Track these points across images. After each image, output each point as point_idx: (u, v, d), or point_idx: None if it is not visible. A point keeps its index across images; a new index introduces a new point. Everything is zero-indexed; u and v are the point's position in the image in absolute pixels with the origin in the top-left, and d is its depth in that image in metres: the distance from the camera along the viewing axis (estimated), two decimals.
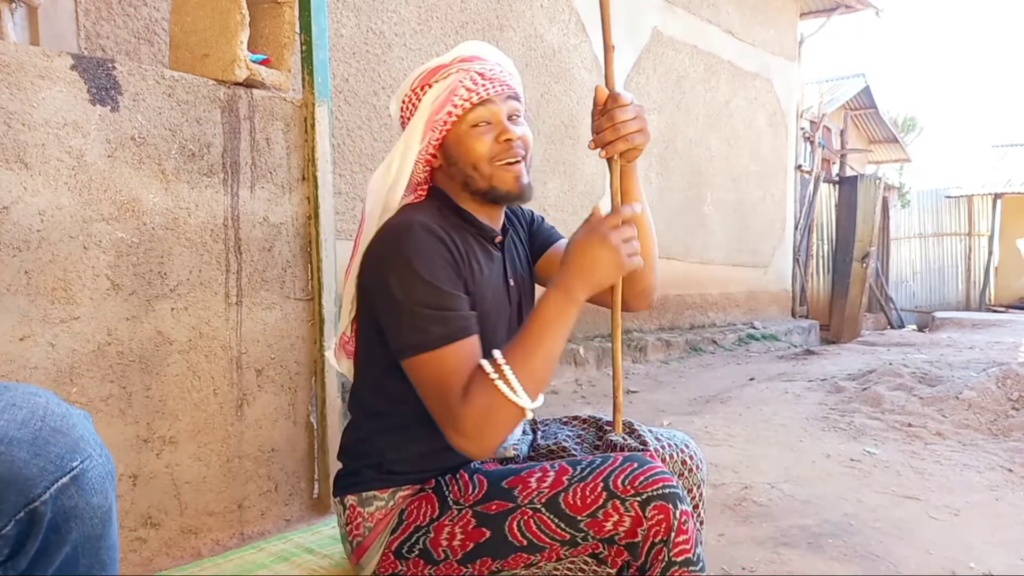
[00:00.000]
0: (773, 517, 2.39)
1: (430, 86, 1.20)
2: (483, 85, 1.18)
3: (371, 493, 1.20)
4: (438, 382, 1.06)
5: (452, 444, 1.05)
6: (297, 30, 1.94)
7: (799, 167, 9.01)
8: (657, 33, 6.32)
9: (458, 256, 1.14)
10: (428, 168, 1.25)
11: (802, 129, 9.41)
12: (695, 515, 1.25)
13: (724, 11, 7.20)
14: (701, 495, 1.31)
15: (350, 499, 1.22)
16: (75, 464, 0.66)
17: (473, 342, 1.09)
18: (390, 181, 1.23)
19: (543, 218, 1.48)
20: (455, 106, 1.18)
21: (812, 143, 9.86)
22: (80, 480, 0.66)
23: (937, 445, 3.31)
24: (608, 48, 1.26)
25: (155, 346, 1.63)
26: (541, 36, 5.13)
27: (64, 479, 0.65)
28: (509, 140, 1.19)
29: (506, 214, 1.33)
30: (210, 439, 1.74)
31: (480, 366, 1.05)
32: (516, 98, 1.23)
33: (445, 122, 1.19)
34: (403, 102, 1.24)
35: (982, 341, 7.87)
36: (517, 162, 1.20)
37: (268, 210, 1.87)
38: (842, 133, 11.17)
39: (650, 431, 1.33)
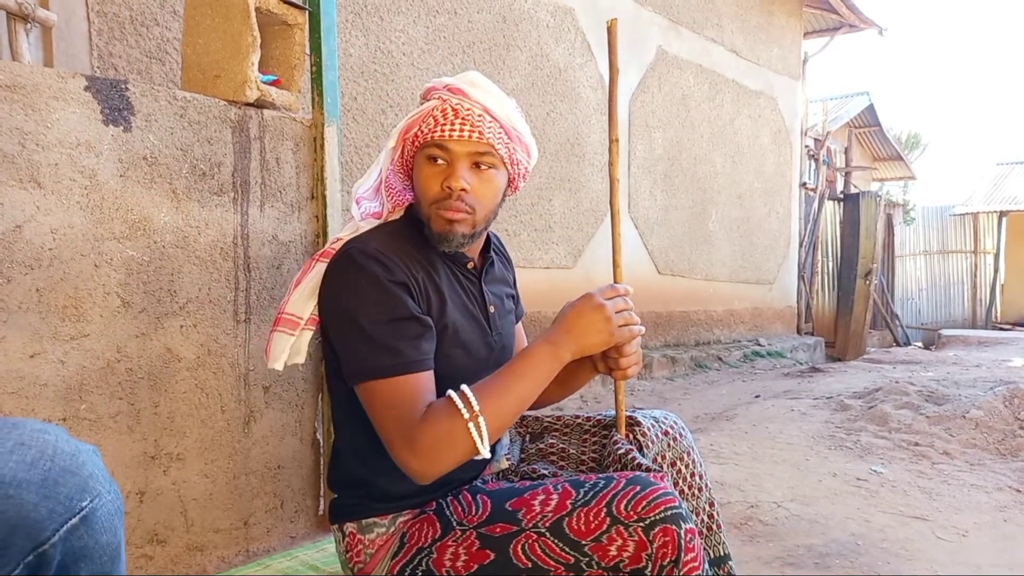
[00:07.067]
0: (779, 537, 2.38)
1: (425, 100, 1.23)
2: (451, 124, 1.16)
3: (372, 520, 1.20)
4: (390, 407, 1.06)
5: (399, 462, 1.05)
6: (307, 51, 1.97)
7: (803, 184, 9.03)
8: (662, 52, 6.37)
9: (411, 282, 1.14)
10: (409, 181, 1.28)
11: (806, 147, 9.44)
12: (700, 476, 1.33)
13: (728, 31, 7.25)
14: (692, 460, 1.34)
15: (349, 527, 1.21)
16: (84, 504, 0.65)
17: (426, 378, 1.10)
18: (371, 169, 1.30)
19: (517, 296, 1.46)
20: (420, 132, 1.19)
21: (816, 161, 9.89)
22: (89, 520, 0.66)
23: (944, 465, 3.29)
24: (614, 70, 1.29)
25: (164, 363, 1.65)
26: (547, 56, 5.17)
27: (74, 520, 0.64)
28: (450, 189, 1.16)
29: (492, 244, 1.35)
30: (217, 456, 1.74)
31: (449, 396, 1.05)
32: (488, 149, 1.17)
33: (413, 140, 1.21)
34: None
35: (988, 359, 7.83)
36: (454, 212, 1.17)
37: (277, 228, 1.89)
38: (846, 151, 11.20)
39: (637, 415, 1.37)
